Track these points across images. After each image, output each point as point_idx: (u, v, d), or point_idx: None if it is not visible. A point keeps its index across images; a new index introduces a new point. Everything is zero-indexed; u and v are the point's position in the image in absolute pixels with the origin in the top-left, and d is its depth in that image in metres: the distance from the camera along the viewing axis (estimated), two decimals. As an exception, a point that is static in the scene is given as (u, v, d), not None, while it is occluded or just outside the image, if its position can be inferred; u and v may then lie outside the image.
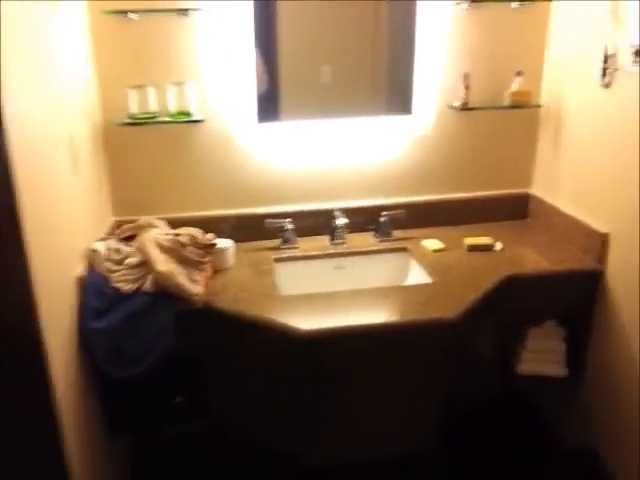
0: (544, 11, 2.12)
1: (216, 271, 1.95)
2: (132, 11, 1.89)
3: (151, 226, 1.90)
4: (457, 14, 2.08)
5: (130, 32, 1.94)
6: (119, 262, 1.78)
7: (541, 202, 2.25)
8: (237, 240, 2.10)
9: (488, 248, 2.06)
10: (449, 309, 1.69)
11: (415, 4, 2.05)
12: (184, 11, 1.92)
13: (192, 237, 1.86)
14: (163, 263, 1.74)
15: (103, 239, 1.87)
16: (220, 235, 2.00)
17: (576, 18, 1.98)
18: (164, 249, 1.79)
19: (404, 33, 2.10)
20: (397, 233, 2.21)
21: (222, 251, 1.96)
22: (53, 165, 1.54)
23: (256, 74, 2.05)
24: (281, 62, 2.12)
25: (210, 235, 1.91)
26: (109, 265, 1.76)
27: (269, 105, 2.12)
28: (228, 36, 1.99)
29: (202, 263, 1.83)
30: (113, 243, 1.85)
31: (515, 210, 2.34)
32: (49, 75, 1.55)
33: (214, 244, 1.91)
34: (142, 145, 2.08)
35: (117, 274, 1.75)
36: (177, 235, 1.84)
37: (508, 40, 2.14)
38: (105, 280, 1.72)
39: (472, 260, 2.00)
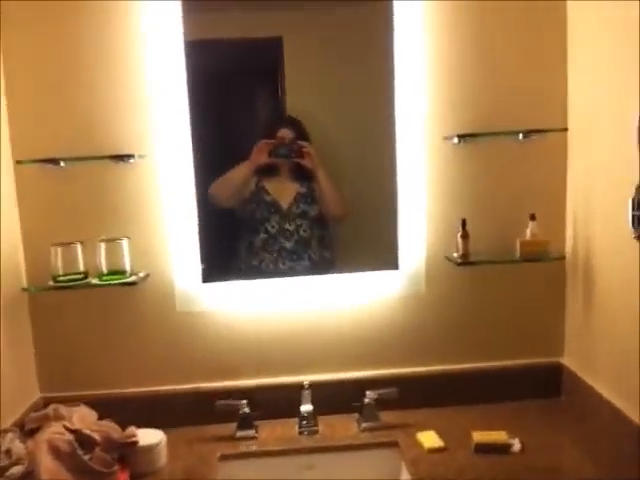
0: (560, 141, 1.73)
1: (137, 477, 1.51)
2: (60, 159, 1.64)
3: (58, 417, 1.51)
4: (448, 150, 1.73)
5: (56, 181, 1.69)
6: (3, 470, 1.39)
7: (576, 377, 1.73)
8: (184, 424, 1.71)
9: (502, 449, 1.54)
10: None
11: (394, 141, 1.72)
12: (122, 157, 1.65)
13: (105, 435, 1.47)
14: (49, 473, 1.33)
15: (1, 432, 1.49)
16: (161, 420, 1.62)
17: (599, 150, 1.57)
18: (59, 454, 1.38)
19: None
20: (387, 416, 1.72)
21: (147, 450, 1.53)
22: None
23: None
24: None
25: (131, 430, 1.51)
26: (-12, 475, 1.37)
27: (219, 259, 1.79)
28: (168, 185, 1.71)
29: (107, 475, 1.40)
30: (8, 440, 1.46)
31: (542, 386, 1.81)
32: None
33: (134, 442, 1.49)
34: (69, 311, 1.75)
35: (-6, 489, 1.35)
36: (85, 432, 1.45)
37: (515, 177, 1.76)
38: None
39: (479, 468, 1.48)
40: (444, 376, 1.81)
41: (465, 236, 1.68)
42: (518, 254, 1.69)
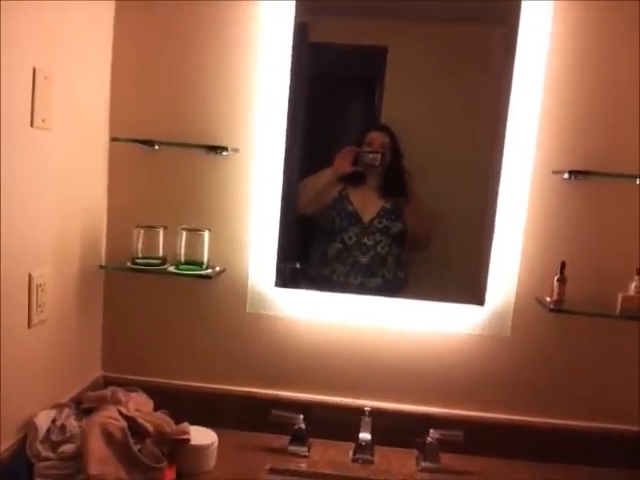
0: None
1: (184, 476, 1.46)
2: (156, 142, 1.63)
3: (115, 401, 1.49)
4: (555, 185, 1.60)
5: (148, 163, 1.68)
6: (56, 446, 1.38)
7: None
8: (236, 427, 1.67)
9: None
10: None
11: (495, 167, 1.61)
12: (216, 149, 1.63)
13: (158, 428, 1.43)
14: (98, 463, 1.30)
15: (58, 406, 1.49)
16: (214, 419, 1.58)
17: None
18: (110, 440, 1.36)
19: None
20: (448, 459, 1.60)
21: (198, 450, 1.48)
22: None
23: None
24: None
25: (184, 427, 1.47)
26: (40, 449, 1.36)
27: (293, 264, 1.75)
28: (257, 182, 1.68)
29: (155, 470, 1.37)
30: (64, 415, 1.46)
31: (628, 454, 1.63)
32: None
33: (186, 440, 1.45)
34: (142, 294, 1.74)
35: (44, 464, 1.34)
36: (139, 422, 1.43)
37: (625, 225, 1.60)
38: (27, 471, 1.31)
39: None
40: (516, 427, 1.67)
41: (563, 280, 1.54)
42: (618, 310, 1.54)
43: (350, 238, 1.77)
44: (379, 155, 1.71)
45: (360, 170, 1.74)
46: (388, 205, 1.77)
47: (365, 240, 1.77)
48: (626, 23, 1.56)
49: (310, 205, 1.78)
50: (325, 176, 1.75)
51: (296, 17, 1.62)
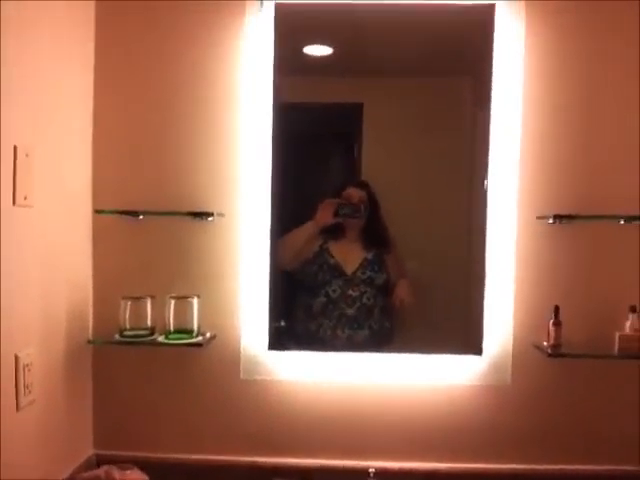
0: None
1: None
2: (140, 212, 1.63)
3: (110, 481, 1.43)
4: (541, 230, 1.61)
5: (133, 233, 1.67)
6: (49, 537, 1.31)
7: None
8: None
9: None
10: None
11: (477, 216, 1.63)
12: (201, 215, 1.62)
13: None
14: None
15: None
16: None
17: None
18: (107, 527, 1.30)
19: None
20: (459, 516, 1.56)
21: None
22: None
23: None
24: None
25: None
26: (32, 542, 1.29)
27: (282, 324, 1.73)
28: (244, 246, 1.67)
29: None
30: (57, 502, 1.40)
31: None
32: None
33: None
34: (132, 367, 1.69)
35: None
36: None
37: (614, 264, 1.62)
38: None
39: None
40: (524, 477, 1.63)
41: (558, 324, 1.54)
42: (616, 349, 1.53)
43: (334, 291, 1.76)
44: (361, 206, 1.73)
45: (341, 221, 1.75)
46: (370, 256, 1.78)
47: (350, 292, 1.76)
48: (605, 62, 1.61)
49: (291, 262, 1.77)
50: (307, 229, 1.76)
51: (274, 79, 1.65)
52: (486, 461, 1.65)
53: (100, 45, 1.66)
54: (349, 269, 1.77)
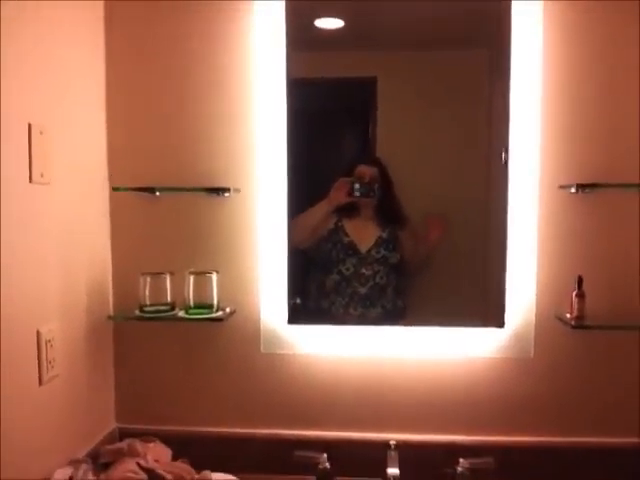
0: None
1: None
2: (156, 188, 1.62)
3: (132, 453, 1.45)
4: (563, 200, 1.58)
5: (150, 210, 1.67)
6: (74, 507, 1.34)
7: None
8: (259, 471, 1.62)
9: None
10: None
11: (507, 185, 1.59)
12: (217, 191, 1.61)
13: (178, 478, 1.39)
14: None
15: (75, 462, 1.44)
16: (235, 465, 1.54)
17: None
18: (131, 498, 1.32)
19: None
20: (481, 489, 1.56)
21: (219, 500, 1.44)
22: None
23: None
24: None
25: (205, 474, 1.43)
26: (58, 512, 1.32)
27: (302, 301, 1.72)
28: (261, 220, 1.66)
29: (179, 523, 1.33)
30: (82, 472, 1.41)
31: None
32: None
33: (207, 490, 1.41)
34: (152, 342, 1.71)
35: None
36: (159, 473, 1.38)
37: (638, 233, 1.57)
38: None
39: None
40: (549, 448, 1.62)
41: (581, 295, 1.51)
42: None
43: (348, 269, 1.75)
44: (374, 185, 1.71)
45: (355, 200, 1.73)
46: (385, 234, 1.76)
47: (363, 270, 1.75)
48: (625, 27, 1.55)
49: (306, 241, 1.76)
50: (319, 210, 1.74)
51: (287, 55, 1.62)
52: (507, 434, 1.64)
53: (112, 19, 1.65)
54: (363, 247, 1.76)
